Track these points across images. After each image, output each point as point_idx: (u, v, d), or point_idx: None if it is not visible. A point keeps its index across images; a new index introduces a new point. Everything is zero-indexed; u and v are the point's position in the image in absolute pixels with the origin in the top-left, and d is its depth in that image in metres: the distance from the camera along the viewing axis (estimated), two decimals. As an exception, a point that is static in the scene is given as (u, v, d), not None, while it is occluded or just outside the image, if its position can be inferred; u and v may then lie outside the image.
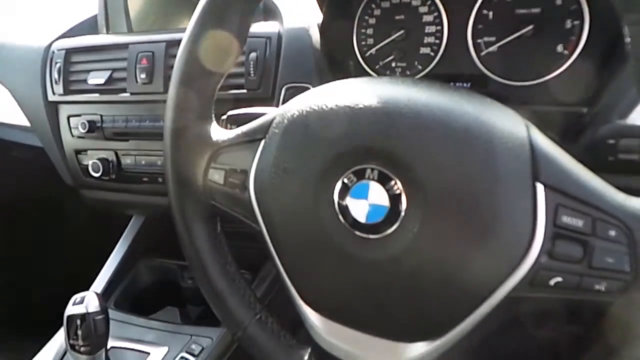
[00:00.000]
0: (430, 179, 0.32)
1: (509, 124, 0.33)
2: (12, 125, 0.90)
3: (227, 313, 0.46)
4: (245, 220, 0.43)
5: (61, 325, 0.82)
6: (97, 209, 0.89)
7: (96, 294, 0.64)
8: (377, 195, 0.34)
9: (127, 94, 0.72)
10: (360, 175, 0.34)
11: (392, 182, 0.33)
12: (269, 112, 0.43)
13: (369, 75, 0.68)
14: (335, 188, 0.35)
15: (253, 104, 0.54)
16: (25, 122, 0.86)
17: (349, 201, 0.34)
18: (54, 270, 1.21)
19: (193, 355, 0.72)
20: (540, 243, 0.31)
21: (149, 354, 0.73)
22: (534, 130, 0.34)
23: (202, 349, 0.72)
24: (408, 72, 0.66)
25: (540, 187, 0.32)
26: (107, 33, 0.81)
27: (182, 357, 0.72)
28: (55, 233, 1.19)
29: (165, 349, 0.73)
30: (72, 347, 0.63)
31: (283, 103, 0.65)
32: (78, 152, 0.79)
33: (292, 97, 0.64)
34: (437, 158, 0.32)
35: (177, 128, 0.44)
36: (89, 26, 0.84)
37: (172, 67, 0.68)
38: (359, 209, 0.34)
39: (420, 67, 0.65)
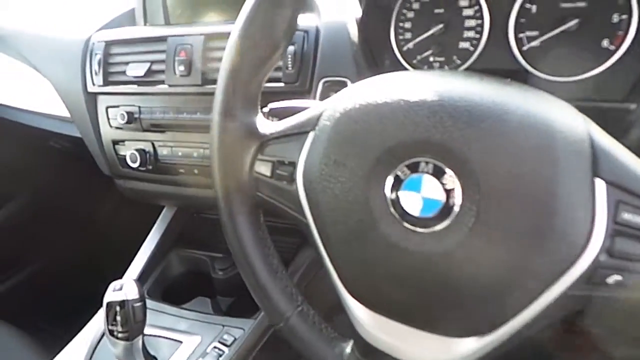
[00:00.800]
0: (486, 173, 0.32)
1: (568, 118, 0.33)
2: (51, 116, 0.92)
3: (269, 304, 0.47)
4: (290, 212, 0.44)
5: (94, 311, 0.84)
6: (130, 199, 0.91)
7: (135, 281, 0.65)
8: (431, 188, 0.33)
9: (165, 86, 0.73)
10: (413, 168, 0.34)
11: (447, 176, 0.33)
12: (315, 105, 0.43)
13: (406, 69, 0.68)
14: (387, 181, 0.35)
15: (290, 97, 0.54)
16: (64, 113, 0.88)
17: (401, 194, 0.34)
18: (87, 257, 1.25)
19: (225, 345, 0.73)
20: (600, 241, 0.31)
21: (181, 342, 0.75)
22: (592, 125, 0.33)
23: (235, 339, 0.73)
24: (446, 67, 0.65)
25: (600, 183, 0.31)
26: (145, 25, 0.82)
27: (214, 347, 0.73)
28: (89, 221, 1.22)
29: (198, 338, 0.74)
30: (111, 332, 0.65)
31: (321, 96, 0.65)
32: (116, 142, 0.80)
33: (329, 91, 0.66)
34: (494, 152, 0.32)
35: (224, 120, 0.45)
36: (127, 19, 0.85)
37: (210, 59, 0.70)
38: (411, 202, 0.34)
39: (459, 61, 0.64)
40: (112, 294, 0.64)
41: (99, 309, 0.83)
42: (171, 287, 0.89)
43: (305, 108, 0.49)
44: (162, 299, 0.83)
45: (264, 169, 0.44)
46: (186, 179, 0.77)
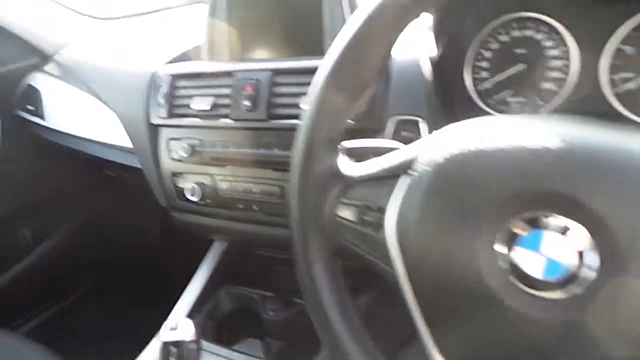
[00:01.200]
0: (623, 230, 0.28)
1: None
2: (111, 145, 0.93)
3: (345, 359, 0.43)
4: (373, 260, 0.40)
5: (138, 341, 0.82)
6: (181, 232, 0.90)
7: (191, 321, 0.62)
8: (555, 247, 0.29)
9: (229, 120, 0.72)
10: (533, 223, 0.30)
11: (576, 233, 0.29)
12: (407, 148, 0.40)
13: (481, 109, 0.64)
14: (500, 236, 0.31)
15: (360, 135, 0.52)
16: (123, 143, 0.90)
17: (517, 252, 0.31)
18: (134, 286, 1.24)
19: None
20: None
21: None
22: None
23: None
24: (527, 108, 0.62)
25: None
26: (211, 61, 0.83)
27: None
28: (138, 250, 1.22)
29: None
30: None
31: (393, 135, 0.63)
32: (175, 174, 0.80)
33: (400, 130, 0.63)
34: (631, 205, 0.28)
35: (306, 160, 0.42)
36: (193, 55, 0.86)
37: (277, 95, 0.69)
38: (531, 262, 0.30)
39: (541, 102, 0.61)
40: (169, 333, 0.61)
41: (144, 339, 0.81)
42: (220, 325, 0.86)
43: (386, 149, 0.46)
44: (212, 337, 0.80)
45: (347, 213, 0.41)
46: (244, 215, 0.75)
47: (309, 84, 0.67)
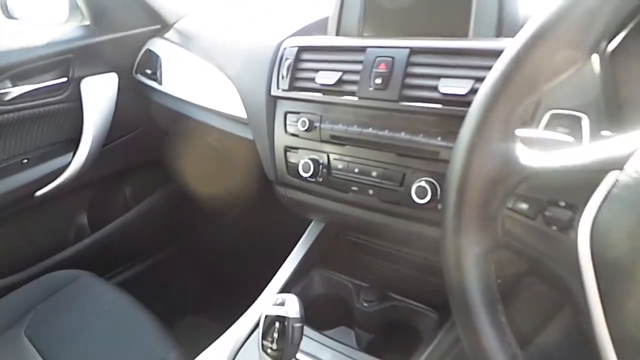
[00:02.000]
0: None
1: None
2: (224, 114, 0.94)
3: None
4: (547, 262, 0.35)
5: (228, 308, 0.82)
6: (282, 208, 0.89)
7: (297, 299, 0.60)
8: None
9: (355, 98, 0.69)
10: None
11: None
12: (617, 141, 0.34)
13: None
14: None
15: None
16: (237, 113, 0.90)
17: None
18: (229, 252, 1.26)
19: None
20: None
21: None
22: None
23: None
24: None
25: None
26: (338, 35, 0.80)
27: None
28: (235, 219, 1.24)
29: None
30: (264, 347, 0.60)
31: (545, 129, 0.56)
32: (288, 149, 0.78)
33: (556, 125, 0.56)
34: None
35: (478, 141, 0.38)
36: (318, 28, 0.84)
37: (412, 75, 0.65)
38: None
39: None
40: (274, 308, 0.59)
41: (233, 307, 0.81)
42: (309, 307, 0.84)
43: (560, 142, 0.40)
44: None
45: (523, 206, 0.36)
46: (356, 198, 0.72)
47: (448, 66, 0.63)
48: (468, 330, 0.39)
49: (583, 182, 0.33)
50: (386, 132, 0.67)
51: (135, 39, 1.22)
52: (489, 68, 0.39)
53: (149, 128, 1.34)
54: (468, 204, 0.38)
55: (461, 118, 0.41)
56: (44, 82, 1.10)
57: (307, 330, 0.75)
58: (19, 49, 1.04)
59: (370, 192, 0.69)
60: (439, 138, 0.63)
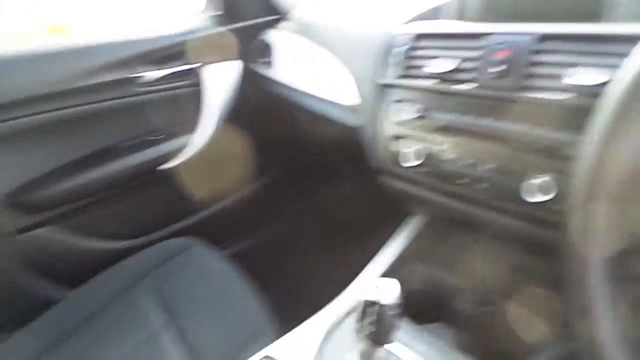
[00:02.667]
0: None
1: None
2: (334, 103, 0.97)
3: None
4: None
5: (330, 297, 0.84)
6: (384, 198, 0.89)
7: (398, 284, 0.59)
8: None
9: (472, 86, 0.66)
10: None
11: None
12: None
13: None
14: None
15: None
16: (347, 101, 0.92)
17: None
18: (325, 237, 1.30)
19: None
20: None
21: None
22: None
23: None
24: None
25: None
26: (459, 20, 0.77)
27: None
28: (336, 205, 1.27)
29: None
30: (359, 330, 0.61)
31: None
32: (396, 137, 0.77)
33: None
34: None
35: (616, 132, 0.34)
36: (430, 16, 0.82)
37: (539, 63, 0.60)
38: None
39: None
40: (369, 292, 0.59)
41: (332, 289, 0.82)
42: (406, 299, 0.83)
43: None
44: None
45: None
46: (465, 192, 0.69)
47: (580, 53, 0.57)
48: (591, 346, 0.36)
49: None
50: (502, 124, 0.63)
51: (255, 28, 1.30)
52: (626, 55, 0.35)
53: (264, 115, 1.42)
54: (603, 197, 0.34)
55: (590, 111, 0.37)
56: (175, 67, 1.23)
57: (404, 321, 0.74)
58: (155, 37, 1.17)
59: (481, 186, 0.66)
60: (563, 132, 0.57)
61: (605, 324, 0.35)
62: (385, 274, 0.81)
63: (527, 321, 0.71)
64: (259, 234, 1.50)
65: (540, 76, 0.59)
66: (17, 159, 1.13)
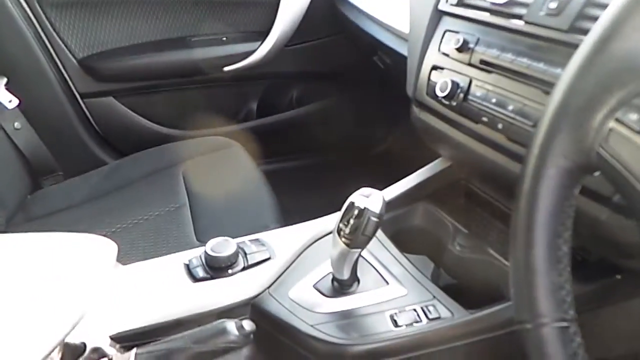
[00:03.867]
0: None
1: None
2: (388, 27, 0.95)
3: (526, 294, 0.34)
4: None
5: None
6: (414, 135, 0.88)
7: (384, 199, 0.61)
8: None
9: (521, 22, 0.62)
10: None
11: None
12: None
13: None
14: None
15: None
16: (401, 28, 0.90)
17: None
18: (357, 166, 1.34)
19: (427, 316, 0.64)
20: None
21: (387, 284, 0.69)
22: None
23: (439, 317, 0.63)
24: None
25: None
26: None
27: (414, 310, 0.65)
28: (370, 136, 1.29)
29: (403, 291, 0.68)
30: (338, 230, 0.63)
31: None
32: (435, 67, 0.76)
33: None
34: None
35: (609, 36, 0.32)
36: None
37: (593, 4, 0.55)
38: None
39: None
40: (357, 197, 0.61)
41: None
42: (399, 232, 0.83)
43: None
44: (390, 238, 0.78)
45: (634, 118, 0.30)
46: (484, 131, 0.67)
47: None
48: (518, 250, 0.35)
49: None
50: (541, 65, 0.59)
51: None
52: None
53: (330, 39, 1.42)
54: (573, 106, 0.33)
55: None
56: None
57: (392, 245, 0.75)
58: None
59: (500, 126, 0.63)
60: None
61: (539, 246, 0.34)
62: (392, 203, 0.82)
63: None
64: (293, 152, 1.55)
65: (594, 18, 0.55)
66: (97, 28, 1.24)
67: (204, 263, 0.66)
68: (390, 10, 1.01)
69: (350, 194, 0.61)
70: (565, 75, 0.34)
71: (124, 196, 1.10)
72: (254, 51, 1.34)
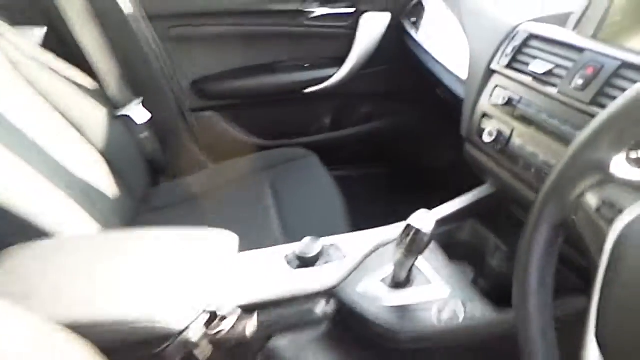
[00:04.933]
0: None
1: None
2: (451, 72, 1.13)
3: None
4: (589, 244, 0.47)
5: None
6: (463, 160, 1.06)
7: (436, 221, 0.80)
8: None
9: (555, 91, 0.79)
10: None
11: None
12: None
13: None
14: None
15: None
16: (461, 75, 1.07)
17: None
18: (418, 184, 1.54)
19: (456, 316, 0.82)
20: None
21: (430, 283, 0.88)
22: None
23: (474, 315, 0.82)
24: None
25: None
26: (573, 31, 0.87)
27: (455, 307, 0.83)
28: (425, 156, 1.48)
29: (447, 292, 0.86)
30: (398, 245, 0.83)
31: None
32: (484, 115, 0.93)
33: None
34: None
35: (590, 143, 0.49)
36: (558, 20, 0.91)
37: (612, 85, 0.72)
38: None
39: None
40: (414, 219, 0.80)
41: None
42: (449, 244, 1.01)
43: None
44: (441, 247, 0.97)
45: (592, 199, 0.48)
46: (518, 171, 0.84)
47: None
48: (519, 282, 0.54)
49: (635, 194, 0.43)
50: (567, 127, 0.76)
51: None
52: None
53: (398, 66, 1.61)
54: (561, 184, 0.51)
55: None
56: (338, 8, 1.48)
57: (442, 254, 0.94)
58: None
59: (532, 170, 0.81)
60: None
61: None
62: (445, 220, 1.01)
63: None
64: (362, 162, 1.77)
65: (612, 97, 0.71)
66: (206, 57, 1.52)
67: (299, 256, 0.88)
68: (450, 54, 1.19)
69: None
70: (561, 161, 0.52)
71: (222, 195, 1.36)
72: (330, 76, 1.56)
